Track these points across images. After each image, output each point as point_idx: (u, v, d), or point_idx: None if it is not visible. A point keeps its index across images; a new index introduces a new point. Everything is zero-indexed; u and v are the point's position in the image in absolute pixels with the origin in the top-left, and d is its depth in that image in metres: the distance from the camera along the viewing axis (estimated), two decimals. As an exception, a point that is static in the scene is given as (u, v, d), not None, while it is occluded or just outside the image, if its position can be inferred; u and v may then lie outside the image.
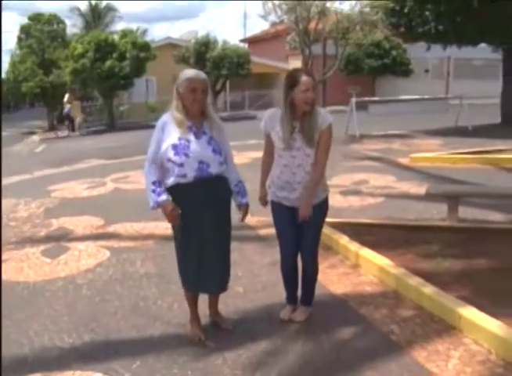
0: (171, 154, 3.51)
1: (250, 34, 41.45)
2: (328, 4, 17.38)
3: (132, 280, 5.06)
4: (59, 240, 6.50)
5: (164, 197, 3.54)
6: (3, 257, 5.93)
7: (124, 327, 4.10)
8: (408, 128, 17.02)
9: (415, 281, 4.35)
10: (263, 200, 4.01)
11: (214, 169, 3.57)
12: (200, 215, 3.57)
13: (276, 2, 16.75)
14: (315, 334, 3.84)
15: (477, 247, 5.38)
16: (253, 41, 39.98)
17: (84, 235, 6.67)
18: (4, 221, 7.63)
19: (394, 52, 30.45)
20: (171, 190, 3.58)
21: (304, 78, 3.59)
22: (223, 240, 3.73)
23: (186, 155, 3.50)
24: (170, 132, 3.56)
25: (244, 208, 3.81)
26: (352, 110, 15.97)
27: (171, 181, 3.56)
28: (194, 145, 3.53)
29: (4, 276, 5.31)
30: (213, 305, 4.02)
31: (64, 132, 26.34)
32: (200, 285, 3.74)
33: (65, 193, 9.60)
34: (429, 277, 4.49)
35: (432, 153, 11.61)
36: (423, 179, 8.94)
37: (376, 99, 20.03)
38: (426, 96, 18.28)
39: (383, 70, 31.03)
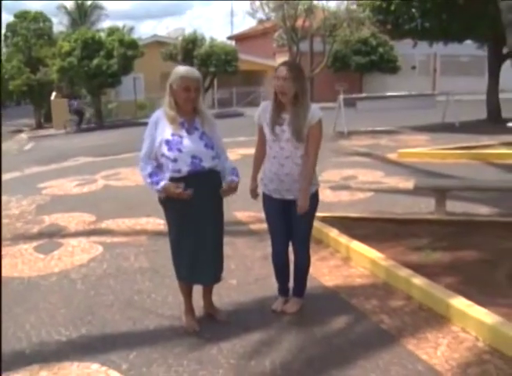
0: (164, 150, 3.59)
1: (237, 31, 41.45)
2: (315, 1, 17.43)
3: (126, 275, 5.12)
4: (52, 236, 6.54)
5: (163, 182, 3.59)
6: (-3, 253, 5.98)
7: (119, 320, 4.16)
8: (395, 124, 17.19)
9: (404, 272, 4.46)
10: (254, 193, 4.05)
11: (206, 163, 3.64)
12: (195, 207, 3.63)
13: (264, 1, 16.81)
14: (308, 324, 3.93)
15: (464, 239, 5.50)
16: (240, 38, 40.05)
17: (77, 231, 6.71)
18: (-5, 218, 7.66)
19: (381, 49, 30.70)
20: None
21: (279, 68, 3.70)
22: (217, 232, 3.81)
23: (179, 150, 3.58)
24: (163, 128, 3.64)
25: (231, 185, 3.73)
26: (340, 107, 16.09)
27: (165, 176, 3.63)
28: (187, 140, 3.61)
29: (-2, 272, 5.36)
30: (207, 296, 4.09)
31: (73, 128, 26.20)
32: (193, 276, 3.81)
33: (55, 190, 9.63)
34: (418, 269, 4.59)
35: (419, 148, 11.76)
36: (411, 174, 9.06)
37: (363, 95, 20.14)
38: (413, 93, 18.45)
39: (370, 67, 31.26)
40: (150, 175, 3.64)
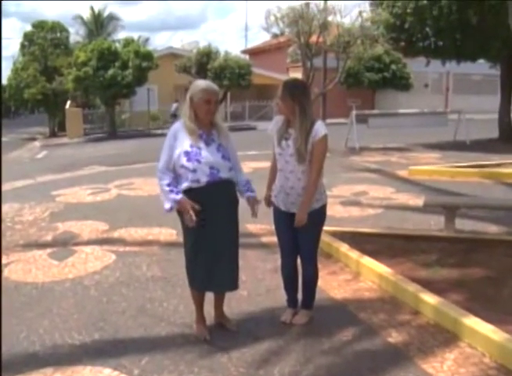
0: (183, 160, 3.73)
1: (250, 45, 41.73)
2: (330, 18, 17.61)
3: (138, 283, 5.21)
4: (66, 243, 6.65)
5: (181, 195, 3.74)
6: (11, 258, 6.09)
7: (131, 326, 4.25)
8: (407, 141, 17.26)
9: (412, 287, 4.52)
10: (267, 201, 4.15)
11: (224, 174, 3.79)
12: (213, 216, 3.75)
13: (279, 15, 17.00)
14: (316, 335, 3.99)
15: (472, 256, 5.55)
16: (254, 52, 40.37)
17: (90, 239, 6.82)
18: (9, 224, 7.78)
19: (394, 66, 30.84)
20: (184, 193, 3.76)
21: (280, 87, 3.88)
22: (233, 241, 3.93)
23: (198, 161, 3.71)
24: (182, 140, 3.78)
25: (253, 201, 3.95)
26: (352, 123, 16.19)
27: (184, 186, 3.76)
28: (205, 152, 3.75)
29: (12, 277, 5.47)
30: (218, 306, 4.17)
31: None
32: (209, 285, 3.90)
33: (69, 198, 9.75)
34: (426, 284, 4.65)
35: (430, 166, 11.81)
36: (421, 191, 9.12)
37: (376, 112, 20.28)
38: (425, 110, 18.52)
39: (383, 84, 31.39)
40: (169, 185, 3.77)
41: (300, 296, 4.27)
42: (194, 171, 3.72)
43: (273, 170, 4.13)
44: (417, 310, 4.33)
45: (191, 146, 3.75)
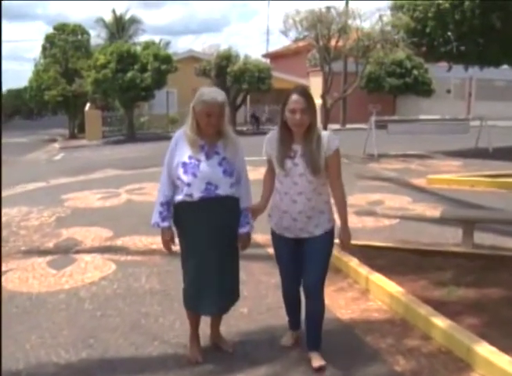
0: (180, 172, 3.47)
1: (273, 49, 41.51)
2: (349, 21, 17.29)
3: (136, 296, 4.97)
4: (67, 250, 6.45)
5: (166, 223, 3.57)
6: (10, 266, 5.90)
7: (122, 345, 4.00)
8: (427, 148, 16.88)
9: (424, 310, 4.20)
10: (256, 213, 3.65)
11: (222, 191, 3.47)
12: (205, 235, 3.49)
13: (297, 19, 16.72)
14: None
15: (491, 275, 5.21)
16: (275, 56, 40.16)
17: (93, 247, 6.61)
18: (14, 229, 7.63)
19: (415, 72, 30.36)
20: (179, 206, 3.55)
21: (293, 97, 3.32)
22: (228, 262, 3.59)
23: (194, 175, 3.44)
24: (182, 150, 3.51)
25: (242, 238, 3.62)
26: (371, 129, 15.86)
27: (179, 198, 3.52)
28: (204, 165, 3.45)
29: (9, 286, 5.27)
30: (214, 325, 3.91)
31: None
32: (199, 306, 3.63)
33: (78, 202, 9.59)
34: (440, 306, 4.35)
35: (450, 174, 11.43)
36: (439, 202, 8.78)
37: (395, 118, 19.88)
38: (446, 117, 18.10)
39: (404, 89, 30.92)
40: (162, 204, 3.58)
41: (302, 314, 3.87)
42: (188, 185, 3.45)
43: (268, 181, 3.67)
44: (428, 335, 4.02)
45: (189, 158, 3.46)
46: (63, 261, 6.05)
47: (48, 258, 6.17)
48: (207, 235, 3.48)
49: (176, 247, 3.69)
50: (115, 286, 5.24)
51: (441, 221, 6.75)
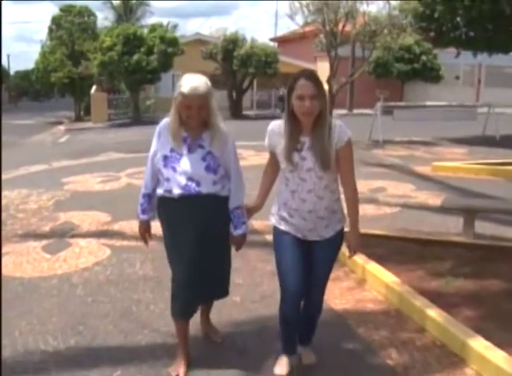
0: (160, 165, 3.25)
1: (281, 33, 41.09)
2: (357, 5, 17.04)
3: (128, 282, 4.91)
4: (63, 235, 6.40)
5: (145, 216, 3.45)
6: (6, 249, 5.85)
7: (111, 332, 3.94)
8: (433, 135, 16.72)
9: (420, 301, 4.12)
10: (250, 212, 3.35)
11: (204, 188, 3.20)
12: (185, 235, 3.23)
13: (304, 2, 16.49)
14: (309, 352, 3.63)
15: (491, 266, 5.11)
16: (282, 40, 39.82)
17: (89, 231, 6.56)
18: (12, 212, 7.58)
19: (424, 58, 30.06)
20: (160, 201, 3.36)
21: (300, 82, 2.91)
22: (214, 266, 3.35)
23: (174, 169, 3.20)
24: (164, 141, 3.27)
25: (236, 240, 3.38)
26: (377, 115, 15.69)
27: (160, 192, 3.32)
28: (185, 160, 3.19)
29: (2, 271, 5.22)
30: (204, 313, 3.80)
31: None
32: (188, 310, 3.42)
33: (78, 186, 9.54)
34: (436, 297, 4.27)
35: (454, 162, 11.28)
36: (443, 190, 8.66)
37: (402, 104, 19.66)
38: (453, 103, 17.89)
39: (412, 75, 30.66)
40: (144, 196, 3.42)
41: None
42: (168, 180, 3.22)
43: (268, 176, 3.32)
44: (423, 327, 3.94)
45: (171, 151, 3.22)
46: (58, 245, 5.99)
47: (44, 242, 6.12)
48: (188, 235, 3.21)
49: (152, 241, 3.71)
50: (108, 272, 5.18)
51: (443, 210, 6.64)
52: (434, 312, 3.92)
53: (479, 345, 3.45)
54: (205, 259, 3.26)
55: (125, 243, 6.05)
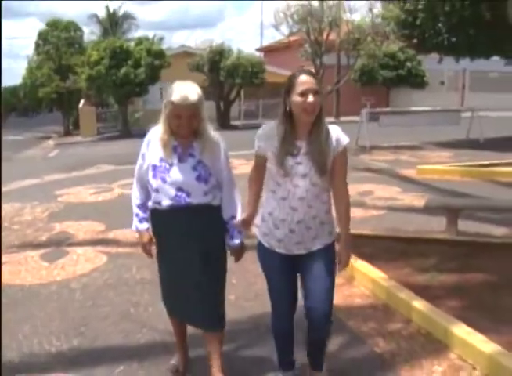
0: (149, 176, 3.11)
1: (267, 43, 41.44)
2: (341, 13, 17.36)
3: (126, 286, 5.09)
4: (60, 244, 6.56)
5: (145, 225, 3.27)
6: (3, 258, 5.99)
7: (112, 332, 4.12)
8: (419, 139, 16.98)
9: (405, 294, 4.33)
10: (247, 223, 3.05)
11: (195, 199, 3.08)
12: (176, 248, 3.14)
13: (289, 13, 16.80)
14: (300, 344, 3.80)
15: (473, 261, 5.33)
16: (268, 50, 40.14)
17: (84, 240, 6.73)
18: (7, 224, 7.72)
19: (408, 64, 30.48)
20: (151, 213, 3.25)
21: (301, 78, 2.77)
22: (205, 280, 3.15)
23: (163, 180, 3.07)
24: (153, 150, 3.13)
25: (234, 251, 3.25)
26: (363, 121, 15.96)
27: (150, 204, 3.21)
28: (175, 170, 3.07)
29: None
30: (210, 355, 3.35)
31: None
32: (184, 316, 3.39)
33: (71, 197, 9.70)
34: (421, 291, 4.46)
35: (439, 165, 11.55)
36: (428, 191, 8.89)
37: (387, 110, 19.96)
38: (437, 108, 18.21)
39: (397, 82, 31.05)
40: (139, 207, 3.27)
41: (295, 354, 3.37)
42: (156, 190, 3.09)
43: (255, 181, 3.09)
44: (409, 318, 4.15)
45: (160, 160, 3.09)
46: (55, 254, 6.16)
47: (41, 251, 6.28)
48: (181, 248, 3.13)
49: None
50: (106, 277, 5.36)
51: (428, 210, 6.87)
52: (419, 304, 4.13)
53: (461, 331, 3.66)
54: (195, 280, 3.14)
55: (120, 250, 6.22)
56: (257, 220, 3.09)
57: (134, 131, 27.99)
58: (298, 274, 3.11)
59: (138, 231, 3.32)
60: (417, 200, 8.33)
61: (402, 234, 6.26)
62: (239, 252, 3.28)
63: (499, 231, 6.49)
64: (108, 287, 5.07)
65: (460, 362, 3.52)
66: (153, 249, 3.33)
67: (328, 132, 2.85)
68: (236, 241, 3.22)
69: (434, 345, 3.75)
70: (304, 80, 2.76)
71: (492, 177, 10.12)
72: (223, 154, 3.18)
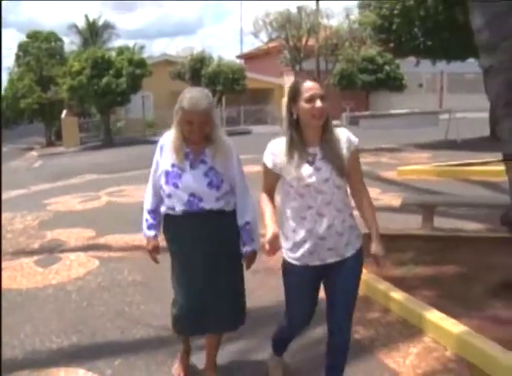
0: (162, 182, 3.16)
1: (248, 49, 41.87)
2: (318, 21, 17.78)
3: (119, 287, 5.34)
4: (52, 250, 6.78)
5: (152, 232, 3.30)
6: (-2, 267, 6.23)
7: (109, 329, 4.38)
8: (399, 141, 17.41)
9: (383, 286, 4.64)
10: (275, 240, 2.75)
11: (207, 204, 3.11)
12: (190, 252, 3.17)
13: (267, 20, 17.18)
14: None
15: (448, 254, 5.66)
16: (249, 57, 40.56)
17: (76, 246, 6.95)
18: (0, 233, 7.93)
19: (387, 68, 30.98)
20: (165, 219, 3.28)
21: (306, 84, 2.76)
22: (224, 283, 3.21)
23: (175, 185, 3.11)
24: (166, 156, 3.18)
25: (247, 258, 3.23)
26: (343, 125, 16.34)
27: (163, 210, 3.25)
28: (187, 176, 3.10)
29: (-1, 285, 5.61)
30: (208, 349, 3.51)
31: None
32: (187, 328, 3.38)
33: (59, 206, 9.90)
34: (399, 282, 4.77)
35: (418, 166, 11.93)
36: (406, 191, 9.23)
37: (367, 113, 20.41)
38: (416, 110, 18.68)
39: (376, 85, 31.53)
40: (149, 212, 3.32)
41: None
42: (169, 196, 3.14)
43: (270, 201, 2.98)
44: (387, 308, 4.46)
45: (172, 166, 3.12)
46: (48, 260, 6.38)
47: (35, 257, 6.50)
48: (195, 255, 3.17)
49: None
50: (99, 279, 5.60)
51: (406, 210, 7.19)
52: (396, 294, 4.45)
53: (434, 316, 3.98)
54: (212, 285, 3.18)
55: (112, 254, 6.47)
56: (282, 242, 2.95)
57: (116, 140, 28.24)
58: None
59: (145, 237, 3.34)
60: (396, 199, 8.64)
61: (380, 231, 6.55)
62: (250, 259, 3.26)
63: (472, 226, 6.84)
64: (102, 289, 5.32)
65: (434, 344, 3.84)
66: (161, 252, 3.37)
67: (338, 135, 2.86)
68: (249, 248, 3.20)
69: (410, 330, 4.06)
70: (310, 86, 2.75)
71: (466, 176, 10.52)
72: (235, 160, 3.20)
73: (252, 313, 4.33)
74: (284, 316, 3.20)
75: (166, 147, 3.18)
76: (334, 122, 2.96)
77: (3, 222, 8.67)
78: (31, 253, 6.73)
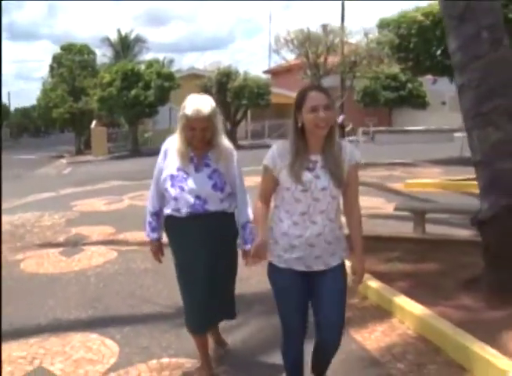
0: (167, 185, 3.33)
1: (276, 65, 42.65)
2: (337, 39, 18.45)
3: (133, 273, 6.02)
4: (76, 243, 7.50)
5: (155, 235, 3.55)
6: (27, 254, 6.95)
7: (121, 305, 5.04)
8: (413, 157, 17.87)
9: (365, 277, 5.18)
10: (263, 249, 2.90)
11: (212, 206, 3.30)
12: (194, 252, 3.33)
13: (288, 38, 17.90)
14: (269, 315, 4.57)
15: (431, 254, 6.19)
16: (275, 72, 41.41)
17: (98, 240, 7.66)
18: (29, 228, 8.68)
19: (410, 85, 31.46)
20: (168, 219, 3.46)
21: (311, 94, 2.80)
22: (222, 282, 3.43)
23: (181, 188, 3.28)
24: (171, 160, 3.35)
25: (247, 255, 3.36)
26: (359, 140, 16.92)
27: (167, 211, 3.42)
28: (192, 179, 3.28)
29: (27, 269, 6.31)
30: (214, 333, 3.92)
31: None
32: (207, 318, 3.50)
33: (85, 207, 10.67)
34: (381, 275, 5.33)
35: (425, 179, 12.42)
36: (409, 201, 9.74)
37: (382, 128, 20.93)
38: (431, 127, 19.16)
39: (399, 102, 32.02)
40: (152, 215, 3.53)
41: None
42: (175, 199, 3.30)
43: (266, 204, 3.01)
44: (365, 295, 5.02)
45: (178, 170, 3.30)
46: (72, 251, 7.09)
47: (60, 249, 7.22)
48: (199, 253, 3.32)
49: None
50: (116, 267, 6.28)
51: (402, 217, 7.74)
52: (374, 283, 5.01)
53: (402, 301, 4.55)
54: (215, 281, 3.35)
55: (129, 248, 7.15)
56: (270, 243, 2.99)
57: (143, 150, 29.15)
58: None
59: (149, 239, 3.61)
60: (397, 208, 9.19)
61: (373, 234, 7.12)
62: (250, 256, 3.22)
63: (461, 232, 7.34)
64: (118, 274, 6.00)
65: (399, 324, 4.40)
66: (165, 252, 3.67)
67: (340, 146, 2.89)
68: (248, 246, 3.31)
69: (381, 313, 4.63)
70: (315, 95, 2.79)
71: (468, 189, 10.96)
72: (236, 162, 3.41)
73: (244, 299, 4.96)
74: (282, 331, 3.15)
75: (170, 151, 3.36)
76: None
77: (32, 219, 9.47)
78: (57, 245, 7.45)
